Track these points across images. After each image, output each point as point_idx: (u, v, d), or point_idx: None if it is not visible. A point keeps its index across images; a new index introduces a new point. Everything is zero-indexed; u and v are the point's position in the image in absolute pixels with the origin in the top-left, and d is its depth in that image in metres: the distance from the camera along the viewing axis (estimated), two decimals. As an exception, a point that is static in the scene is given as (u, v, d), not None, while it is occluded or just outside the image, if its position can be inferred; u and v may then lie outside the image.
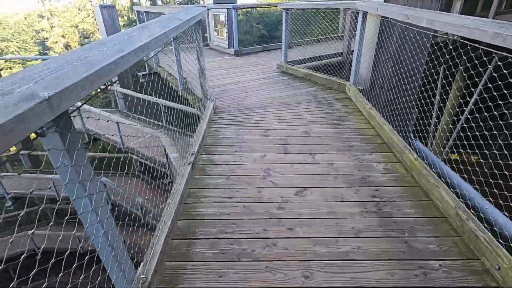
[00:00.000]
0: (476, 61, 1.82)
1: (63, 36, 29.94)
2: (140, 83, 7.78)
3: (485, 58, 1.69)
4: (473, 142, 1.90)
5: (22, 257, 1.24)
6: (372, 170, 2.47)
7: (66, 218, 1.07)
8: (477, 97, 2.58)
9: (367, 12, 3.46)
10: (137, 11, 7.05)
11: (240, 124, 3.40)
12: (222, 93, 4.53)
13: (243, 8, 7.11)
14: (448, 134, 3.29)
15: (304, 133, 3.14)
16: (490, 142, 1.76)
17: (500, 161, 1.69)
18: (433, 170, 2.17)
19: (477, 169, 1.82)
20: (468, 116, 2.70)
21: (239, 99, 4.20)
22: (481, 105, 1.94)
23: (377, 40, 3.67)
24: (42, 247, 5.97)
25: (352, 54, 6.35)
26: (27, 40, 31.00)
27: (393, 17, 2.62)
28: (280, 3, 7.74)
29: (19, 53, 28.72)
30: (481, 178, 1.78)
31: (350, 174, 2.43)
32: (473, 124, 2.05)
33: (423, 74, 3.46)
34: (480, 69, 1.87)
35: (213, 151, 2.84)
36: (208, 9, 8.25)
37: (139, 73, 7.84)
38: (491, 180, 1.70)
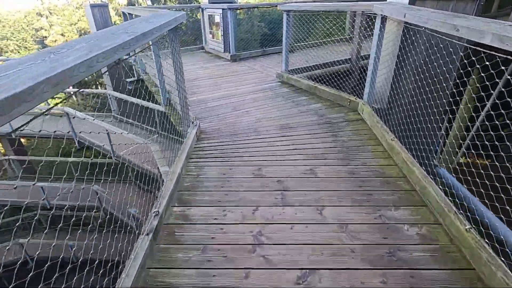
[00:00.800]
0: None
1: (62, 34, 29.40)
2: (128, 90, 7.13)
3: None
4: None
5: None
6: (401, 238, 1.80)
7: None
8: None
9: (387, 17, 2.79)
10: (123, 12, 6.39)
11: (228, 158, 2.73)
12: (211, 111, 3.87)
13: (240, 9, 6.43)
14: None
15: (308, 171, 2.47)
16: None
17: None
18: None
19: None
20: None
21: (230, 120, 3.53)
22: None
23: (398, 51, 2.99)
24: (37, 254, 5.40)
25: (362, 60, 5.67)
26: (26, 38, 30.59)
27: (431, 27, 1.93)
28: (280, 2, 7.06)
29: (19, 52, 28.36)
30: None
31: (372, 244, 1.76)
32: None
33: (451, 91, 2.79)
34: None
35: (189, 200, 2.18)
36: (202, 9, 7.58)
37: (126, 80, 7.20)
38: None
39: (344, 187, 2.27)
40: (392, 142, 2.58)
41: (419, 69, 2.78)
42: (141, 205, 4.91)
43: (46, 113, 1.25)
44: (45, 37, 30.13)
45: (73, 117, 6.54)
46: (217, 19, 6.78)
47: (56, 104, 1.62)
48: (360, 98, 3.48)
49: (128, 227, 4.98)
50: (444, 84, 2.41)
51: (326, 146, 2.85)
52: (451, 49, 2.01)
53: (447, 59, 2.19)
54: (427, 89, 2.54)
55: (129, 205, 5.79)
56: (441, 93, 2.44)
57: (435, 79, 2.50)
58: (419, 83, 2.73)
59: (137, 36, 1.55)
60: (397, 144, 2.53)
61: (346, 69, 5.60)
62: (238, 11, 6.69)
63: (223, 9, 6.43)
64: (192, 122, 3.15)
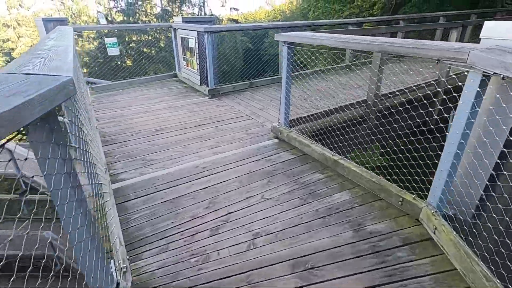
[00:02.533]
0: None
1: (31, 46, 27.04)
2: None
3: None
4: None
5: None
6: None
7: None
8: None
9: (490, 75, 1.41)
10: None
11: None
12: (166, 211, 2.30)
13: (221, 32, 5.03)
14: None
15: None
16: None
17: None
18: None
19: None
20: None
21: (202, 247, 1.99)
22: None
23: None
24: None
25: (381, 101, 4.35)
26: (-7, 50, 28.28)
27: None
28: (271, 25, 5.75)
29: (-15, 64, 25.86)
30: None
31: None
32: None
33: None
34: None
35: None
36: (174, 29, 6.12)
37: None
38: None
39: None
40: None
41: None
42: None
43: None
44: (12, 49, 28.06)
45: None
46: (192, 43, 5.32)
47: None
48: (424, 199, 2.07)
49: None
50: None
51: None
52: None
53: None
54: None
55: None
56: None
57: None
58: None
59: None
60: None
61: (359, 115, 4.25)
62: (218, 34, 5.25)
63: (198, 31, 4.99)
64: (115, 271, 1.56)
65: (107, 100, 5.12)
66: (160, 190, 2.51)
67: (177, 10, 20.23)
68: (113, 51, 5.52)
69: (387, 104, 4.20)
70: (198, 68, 5.34)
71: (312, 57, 3.35)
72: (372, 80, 4.13)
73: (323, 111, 3.89)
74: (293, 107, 3.72)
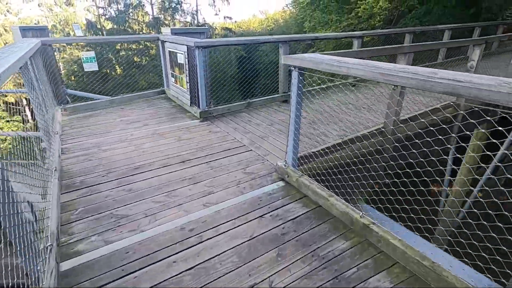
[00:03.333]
0: None
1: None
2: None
3: None
4: None
5: None
6: None
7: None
8: None
9: None
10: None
11: None
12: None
13: (214, 46, 4.39)
14: None
15: None
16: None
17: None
18: None
19: None
20: None
21: None
22: None
23: None
24: None
25: (401, 127, 3.74)
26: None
27: None
28: (273, 37, 5.13)
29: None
30: None
31: None
32: None
33: None
34: None
35: None
36: (162, 42, 5.48)
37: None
38: None
39: None
40: None
41: None
42: None
43: None
44: (-2, 56, 26.87)
45: None
46: (181, 59, 4.68)
47: None
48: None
49: None
50: None
51: None
52: None
53: None
54: None
55: None
56: None
57: None
58: None
59: None
60: None
61: (377, 147, 3.65)
62: (206, 53, 4.61)
63: (188, 46, 4.35)
64: None
65: (82, 124, 4.41)
66: (129, 274, 1.81)
67: (169, 18, 19.66)
68: (91, 67, 4.83)
69: (408, 132, 3.60)
70: (188, 87, 4.69)
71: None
72: (391, 105, 3.54)
73: (336, 143, 3.27)
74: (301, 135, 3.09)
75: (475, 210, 1.73)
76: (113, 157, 3.34)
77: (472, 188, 5.89)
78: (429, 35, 9.33)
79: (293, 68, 2.40)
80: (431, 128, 1.81)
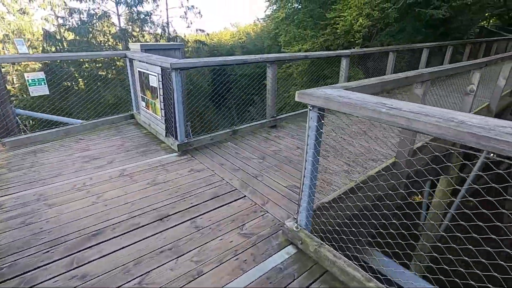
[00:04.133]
0: None
1: None
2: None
3: None
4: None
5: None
6: None
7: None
8: None
9: None
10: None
11: None
12: None
13: (197, 67, 3.69)
14: None
15: None
16: None
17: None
18: None
19: None
20: None
21: None
22: None
23: None
24: None
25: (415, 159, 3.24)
26: None
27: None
28: (260, 56, 4.52)
29: None
30: None
31: None
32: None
33: None
34: None
35: None
36: (130, 60, 4.71)
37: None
38: None
39: None
40: None
41: None
42: None
43: None
44: None
45: None
46: (154, 81, 3.95)
47: None
48: None
49: None
50: None
51: None
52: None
53: None
54: None
55: None
56: None
57: None
58: None
59: None
60: None
61: (389, 187, 3.16)
62: (182, 76, 3.92)
63: (163, 68, 3.65)
64: None
65: (25, 164, 3.48)
66: None
67: (138, 30, 18.61)
68: (38, 90, 3.92)
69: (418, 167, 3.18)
70: (163, 115, 3.95)
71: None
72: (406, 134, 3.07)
73: (348, 189, 2.72)
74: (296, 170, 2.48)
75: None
76: (62, 218, 2.50)
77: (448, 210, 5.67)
78: (403, 54, 9.40)
79: (311, 108, 1.81)
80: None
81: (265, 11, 16.32)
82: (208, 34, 23.28)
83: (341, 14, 9.45)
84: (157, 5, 18.35)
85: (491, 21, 22.01)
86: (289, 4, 15.25)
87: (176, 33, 20.32)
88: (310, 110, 1.82)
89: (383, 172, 3.03)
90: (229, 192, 2.97)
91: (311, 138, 1.87)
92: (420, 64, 8.45)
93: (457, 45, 10.35)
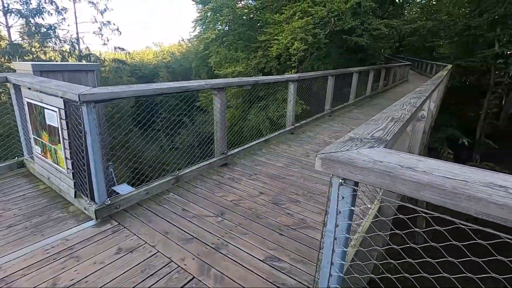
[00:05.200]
0: None
1: None
2: None
3: None
4: None
5: None
6: None
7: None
8: None
9: None
10: None
11: None
12: None
13: (121, 98, 2.65)
14: None
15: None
16: None
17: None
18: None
19: None
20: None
21: None
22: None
23: None
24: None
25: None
26: None
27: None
28: (205, 81, 3.64)
29: None
30: None
31: None
32: None
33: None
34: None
35: None
36: (14, 86, 3.30)
37: None
38: None
39: None
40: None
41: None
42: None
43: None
44: None
45: None
46: (52, 119, 2.70)
47: None
48: None
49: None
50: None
51: None
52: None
53: None
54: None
55: None
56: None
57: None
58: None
59: None
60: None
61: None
62: (99, 109, 2.79)
63: (67, 101, 2.47)
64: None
65: None
66: None
67: (37, 45, 15.54)
68: None
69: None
70: (70, 167, 2.70)
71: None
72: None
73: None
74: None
75: None
76: None
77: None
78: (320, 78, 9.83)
79: (341, 181, 1.07)
80: None
81: (192, 31, 15.58)
82: (129, 53, 21.21)
83: (275, 37, 9.40)
84: (63, 18, 15.77)
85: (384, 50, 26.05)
86: (218, 25, 14.92)
87: (89, 50, 17.81)
88: (342, 184, 1.08)
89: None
90: (185, 286, 1.98)
91: (342, 227, 1.12)
92: (351, 86, 8.86)
93: (377, 69, 11.47)
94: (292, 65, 9.32)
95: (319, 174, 3.85)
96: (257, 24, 14.28)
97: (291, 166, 4.15)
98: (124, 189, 2.95)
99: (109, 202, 2.68)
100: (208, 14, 14.18)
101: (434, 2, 23.11)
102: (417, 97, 2.86)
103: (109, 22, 18.02)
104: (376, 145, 1.17)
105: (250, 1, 14.14)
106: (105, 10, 17.62)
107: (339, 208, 1.11)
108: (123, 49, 19.41)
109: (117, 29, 18.42)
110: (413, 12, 22.82)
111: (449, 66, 14.02)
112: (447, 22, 26.48)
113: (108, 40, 18.20)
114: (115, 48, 18.93)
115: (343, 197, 1.09)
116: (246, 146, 4.46)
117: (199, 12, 15.31)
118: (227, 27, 14.67)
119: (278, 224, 2.74)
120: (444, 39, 27.46)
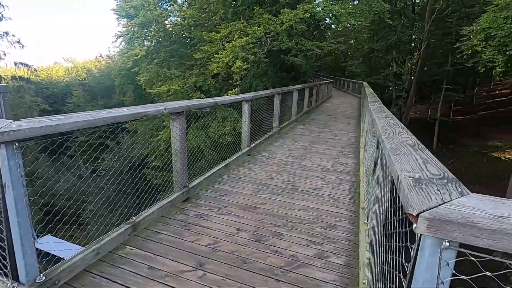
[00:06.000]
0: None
1: None
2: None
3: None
4: None
5: None
6: None
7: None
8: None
9: None
10: None
11: None
12: None
13: (51, 135, 1.97)
14: None
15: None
16: None
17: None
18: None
19: None
20: None
21: None
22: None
23: None
24: None
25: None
26: None
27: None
28: (161, 105, 3.05)
29: None
30: None
31: None
32: None
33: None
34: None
35: None
36: None
37: None
38: None
39: None
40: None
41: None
42: None
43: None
44: None
45: None
46: None
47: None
48: None
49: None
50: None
51: None
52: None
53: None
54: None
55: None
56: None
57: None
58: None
59: None
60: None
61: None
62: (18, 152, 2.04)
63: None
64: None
65: None
66: None
67: None
68: None
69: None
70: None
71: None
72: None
73: None
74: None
75: None
76: None
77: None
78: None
79: (447, 244, 0.83)
80: None
81: (117, 47, 14.24)
82: (35, 70, 18.07)
83: (215, 55, 9.17)
84: None
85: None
86: (146, 42, 13.97)
87: (-22, 66, 14.48)
88: (446, 249, 0.84)
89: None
90: None
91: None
92: (292, 104, 9.17)
93: (309, 87, 12.25)
94: (234, 83, 9.20)
95: (292, 199, 3.65)
96: (191, 42, 13.88)
97: (259, 193, 3.84)
98: (65, 249, 2.18)
99: (43, 278, 1.91)
100: (135, 29, 13.17)
101: (341, 29, 26.64)
102: (389, 116, 2.93)
103: (6, 33, 15.06)
104: (459, 189, 0.98)
105: (179, 19, 13.68)
106: (0, 19, 14.69)
107: (441, 277, 0.86)
108: (26, 65, 16.37)
109: (18, 42, 15.52)
110: (329, 36, 25.85)
111: (365, 83, 16.02)
112: (356, 45, 30.74)
113: (5, 54, 15.15)
114: (15, 63, 15.85)
115: (447, 264, 0.85)
116: (207, 174, 3.99)
117: (124, 27, 14.10)
118: (156, 44, 13.84)
119: (270, 267, 2.38)
120: (355, 60, 31.75)
